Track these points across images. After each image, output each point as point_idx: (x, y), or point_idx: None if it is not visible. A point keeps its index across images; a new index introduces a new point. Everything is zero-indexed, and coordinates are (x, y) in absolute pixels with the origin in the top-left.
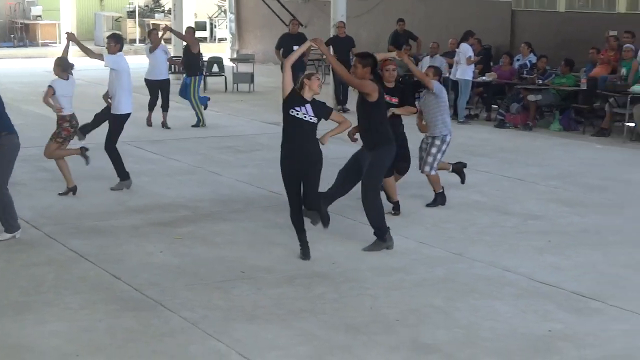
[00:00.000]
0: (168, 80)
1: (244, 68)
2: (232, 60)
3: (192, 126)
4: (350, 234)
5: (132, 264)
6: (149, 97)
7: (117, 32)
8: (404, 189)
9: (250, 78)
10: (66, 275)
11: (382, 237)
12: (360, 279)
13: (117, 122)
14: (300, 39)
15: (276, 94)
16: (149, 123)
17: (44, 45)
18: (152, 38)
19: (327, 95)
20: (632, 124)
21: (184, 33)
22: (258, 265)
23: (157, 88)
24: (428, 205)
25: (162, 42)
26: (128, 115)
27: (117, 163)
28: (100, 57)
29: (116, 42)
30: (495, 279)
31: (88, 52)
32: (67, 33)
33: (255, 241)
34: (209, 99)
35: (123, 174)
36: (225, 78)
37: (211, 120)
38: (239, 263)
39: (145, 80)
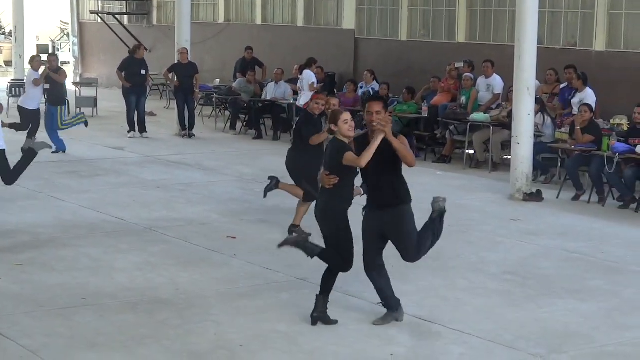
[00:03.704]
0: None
1: (87, 92)
2: (75, 84)
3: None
4: (194, 259)
5: None
6: None
7: None
8: (249, 213)
9: (93, 102)
10: None
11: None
12: (204, 305)
13: None
14: (142, 63)
15: (120, 118)
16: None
17: None
18: (35, 66)
19: (172, 121)
20: (472, 151)
21: (41, 66)
22: (100, 292)
23: (32, 117)
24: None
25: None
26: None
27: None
28: None
29: None
30: (338, 303)
31: None
32: None
33: (98, 267)
34: (83, 114)
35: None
36: (68, 102)
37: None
38: (81, 289)
39: (20, 108)
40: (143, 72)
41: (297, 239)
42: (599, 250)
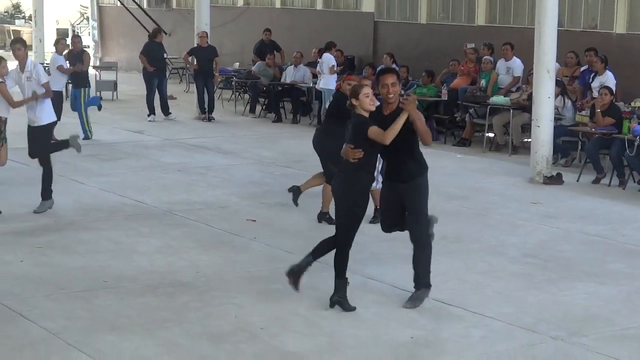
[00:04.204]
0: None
1: (107, 76)
2: (95, 67)
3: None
4: (215, 243)
5: None
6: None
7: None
8: (269, 197)
9: (113, 86)
10: None
11: (429, 286)
12: (224, 288)
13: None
14: (162, 47)
15: (139, 102)
16: None
17: None
18: (59, 48)
19: (191, 104)
20: (492, 134)
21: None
22: (121, 275)
23: (55, 99)
24: (371, 222)
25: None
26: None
27: (48, 178)
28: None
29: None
30: (358, 286)
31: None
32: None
33: (119, 250)
34: (100, 98)
35: (48, 193)
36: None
37: (74, 128)
38: (102, 272)
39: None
40: (165, 55)
41: (298, 268)
42: (619, 233)
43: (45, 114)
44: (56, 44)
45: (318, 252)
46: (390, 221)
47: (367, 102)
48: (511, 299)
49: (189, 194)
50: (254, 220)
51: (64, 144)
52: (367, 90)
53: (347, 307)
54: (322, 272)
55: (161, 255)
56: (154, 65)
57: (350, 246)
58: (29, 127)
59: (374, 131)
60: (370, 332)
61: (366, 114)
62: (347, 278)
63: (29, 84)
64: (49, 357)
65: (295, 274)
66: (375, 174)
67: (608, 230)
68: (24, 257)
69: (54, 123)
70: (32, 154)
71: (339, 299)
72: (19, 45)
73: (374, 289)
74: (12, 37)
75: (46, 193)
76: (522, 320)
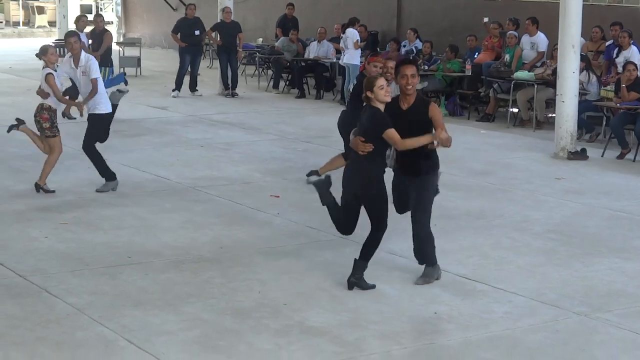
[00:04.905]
0: None
1: (130, 52)
2: (118, 44)
3: None
4: (238, 218)
5: (16, 249)
6: (33, 80)
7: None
8: (292, 172)
9: (137, 62)
10: None
11: (436, 262)
12: (248, 263)
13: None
14: (196, 23)
15: (163, 78)
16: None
17: None
18: (80, 26)
19: (215, 80)
20: (516, 110)
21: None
22: (145, 251)
23: None
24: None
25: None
26: (110, 114)
27: (99, 163)
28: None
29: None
30: (382, 262)
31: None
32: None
33: (142, 226)
34: (125, 74)
35: (108, 174)
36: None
37: None
38: (126, 248)
39: None
40: (197, 32)
41: (323, 181)
42: None
43: (102, 104)
44: (77, 21)
45: (367, 253)
46: (401, 206)
47: (382, 93)
48: (535, 274)
49: (212, 170)
50: (278, 197)
51: (105, 170)
52: (382, 82)
53: (365, 286)
54: (347, 248)
55: (185, 231)
56: (186, 42)
57: (384, 231)
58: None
59: (391, 135)
60: (394, 307)
61: (382, 106)
62: (367, 263)
63: (84, 79)
64: (74, 332)
65: (358, 284)
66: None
67: (633, 205)
68: (49, 233)
69: (111, 115)
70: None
71: (356, 280)
72: (75, 39)
73: (398, 264)
74: (36, 13)
75: (106, 175)
76: (546, 295)
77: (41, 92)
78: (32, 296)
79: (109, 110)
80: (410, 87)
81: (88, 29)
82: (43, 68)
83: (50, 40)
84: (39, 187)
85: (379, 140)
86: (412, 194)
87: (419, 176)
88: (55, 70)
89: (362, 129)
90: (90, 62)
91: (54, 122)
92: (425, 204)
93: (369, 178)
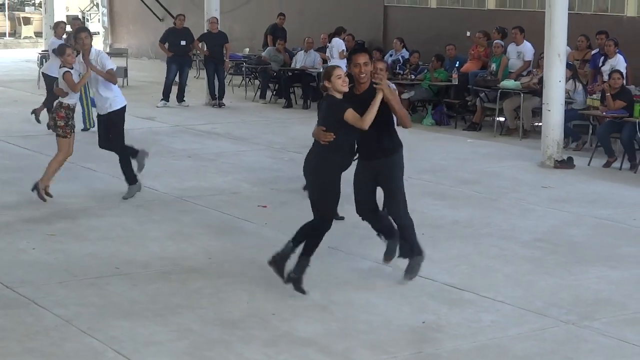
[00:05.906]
0: None
1: (117, 62)
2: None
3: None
4: (226, 228)
5: (4, 261)
6: (19, 91)
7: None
8: (280, 182)
9: (124, 72)
10: None
11: (420, 252)
12: (236, 273)
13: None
14: (186, 33)
15: (150, 88)
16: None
17: None
18: (59, 32)
19: (202, 90)
20: (502, 119)
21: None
22: (133, 261)
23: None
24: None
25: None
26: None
27: (128, 166)
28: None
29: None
30: (369, 272)
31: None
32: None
33: (130, 237)
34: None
35: (132, 178)
36: None
37: (76, 117)
38: (114, 259)
39: (45, 75)
40: (183, 42)
41: (280, 256)
42: (630, 217)
43: (117, 100)
44: (55, 27)
45: (299, 236)
46: (363, 202)
47: (340, 83)
48: (522, 283)
49: (200, 180)
50: (266, 207)
51: (131, 172)
52: (340, 72)
53: (299, 288)
54: (335, 257)
55: (173, 242)
56: (172, 51)
57: (327, 229)
58: (99, 116)
59: (351, 115)
60: (382, 317)
61: (339, 95)
62: (309, 260)
63: (94, 73)
64: (62, 344)
65: (277, 263)
66: None
67: (619, 214)
68: (36, 245)
69: (125, 108)
70: (103, 143)
71: (296, 277)
72: (86, 34)
73: (384, 274)
74: (22, 24)
75: (130, 179)
76: (533, 304)
77: (59, 91)
78: (20, 308)
79: (124, 102)
80: (364, 75)
81: (65, 36)
82: (60, 67)
83: (36, 51)
84: (36, 188)
85: (341, 127)
86: (379, 178)
87: (385, 156)
88: (72, 68)
89: (322, 118)
90: (100, 55)
91: (68, 122)
92: (395, 194)
93: (331, 166)
